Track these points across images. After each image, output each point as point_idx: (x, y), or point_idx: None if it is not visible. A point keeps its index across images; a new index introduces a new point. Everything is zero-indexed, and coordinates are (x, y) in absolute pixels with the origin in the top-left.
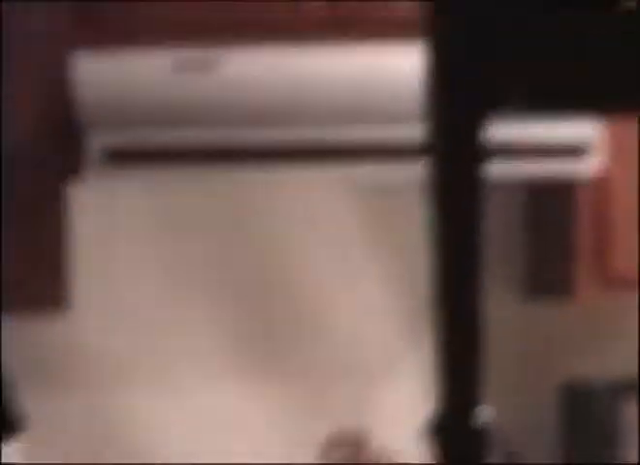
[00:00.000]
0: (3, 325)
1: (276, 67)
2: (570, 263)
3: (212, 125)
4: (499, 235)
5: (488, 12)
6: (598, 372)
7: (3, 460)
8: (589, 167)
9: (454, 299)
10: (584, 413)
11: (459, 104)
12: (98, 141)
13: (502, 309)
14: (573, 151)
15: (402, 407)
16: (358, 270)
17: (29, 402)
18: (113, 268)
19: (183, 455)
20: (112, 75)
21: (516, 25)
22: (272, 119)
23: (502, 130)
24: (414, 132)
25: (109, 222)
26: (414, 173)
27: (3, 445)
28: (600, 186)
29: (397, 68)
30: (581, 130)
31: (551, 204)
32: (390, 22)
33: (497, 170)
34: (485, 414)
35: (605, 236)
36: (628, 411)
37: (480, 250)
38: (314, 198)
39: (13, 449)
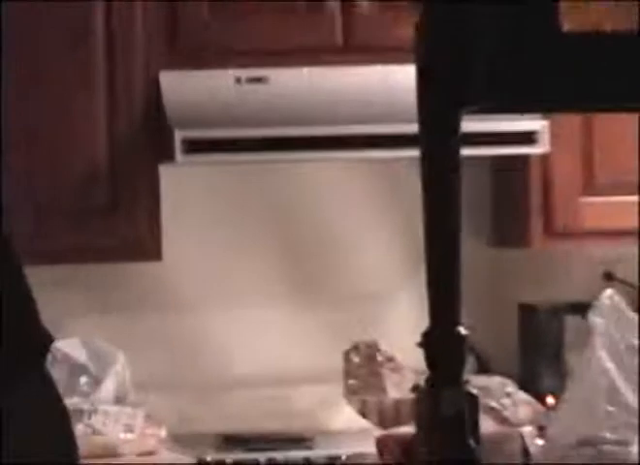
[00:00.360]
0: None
1: (310, 81)
2: (525, 220)
3: (263, 123)
4: (472, 199)
5: (462, 29)
6: (546, 298)
7: None
8: (538, 148)
9: (440, 245)
10: (535, 327)
11: (443, 104)
12: (180, 135)
13: (475, 254)
14: (527, 137)
15: (403, 324)
16: (368, 226)
17: (137, 325)
18: (193, 227)
19: (247, 358)
20: (191, 87)
21: (487, 40)
22: (308, 119)
23: (477, 121)
24: (409, 128)
25: (188, 193)
26: (409, 157)
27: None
28: (545, 162)
29: (395, 83)
30: (532, 122)
31: (510, 176)
32: (392, 49)
33: (473, 150)
34: (463, 327)
35: (550, 200)
36: (567, 325)
37: (458, 210)
38: (335, 175)
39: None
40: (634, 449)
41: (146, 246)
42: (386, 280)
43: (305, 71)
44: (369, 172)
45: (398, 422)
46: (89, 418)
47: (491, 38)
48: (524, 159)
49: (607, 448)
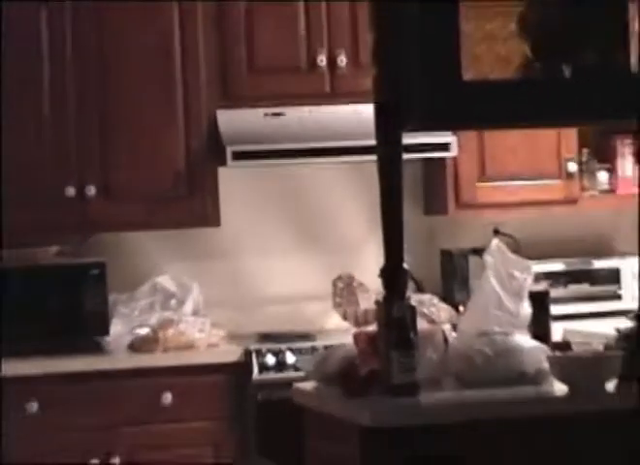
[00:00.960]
0: (189, 232)
1: (310, 115)
2: (443, 197)
3: (281, 141)
4: (411, 184)
5: (398, 81)
6: (457, 246)
7: None
8: (450, 153)
9: (391, 213)
10: (451, 264)
11: (390, 126)
12: (230, 149)
13: (413, 219)
14: (443, 146)
15: (369, 263)
16: (348, 206)
17: (205, 266)
18: (238, 206)
19: (273, 285)
20: (236, 119)
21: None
22: (309, 138)
23: (411, 137)
24: (371, 142)
25: (235, 185)
26: (372, 160)
27: None
28: (455, 161)
29: (363, 115)
30: (446, 137)
31: (434, 169)
32: (361, 93)
33: (411, 155)
34: (405, 264)
35: (458, 185)
36: (471, 262)
37: (400, 191)
38: (327, 174)
39: None
40: (513, 336)
41: (211, 218)
42: (359, 238)
43: (307, 108)
44: (348, 171)
45: (366, 323)
46: (177, 324)
47: (418, 84)
48: (442, 159)
49: (495, 336)
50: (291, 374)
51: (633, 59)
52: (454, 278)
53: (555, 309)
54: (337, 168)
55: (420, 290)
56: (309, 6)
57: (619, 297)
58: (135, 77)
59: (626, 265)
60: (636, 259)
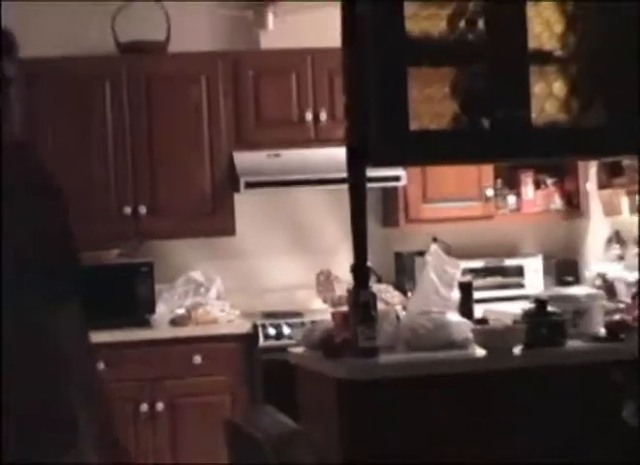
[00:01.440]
0: (212, 240)
1: (301, 155)
2: (396, 214)
3: (279, 174)
4: (373, 203)
5: (362, 127)
6: (406, 250)
7: None
8: (401, 183)
9: (357, 225)
10: (402, 263)
11: (356, 162)
12: (243, 179)
13: (374, 229)
14: (396, 178)
15: (343, 262)
16: (329, 220)
17: (225, 264)
18: (248, 221)
19: (274, 278)
20: (247, 159)
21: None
22: (300, 171)
23: (372, 170)
24: (344, 174)
25: (246, 206)
26: (345, 188)
27: None
28: (405, 188)
29: (338, 155)
30: (397, 171)
31: (390, 194)
32: (337, 140)
33: (372, 184)
34: (368, 263)
35: (407, 205)
36: (416, 261)
37: (364, 209)
38: (314, 197)
39: None
40: (446, 314)
41: (228, 230)
42: (335, 244)
43: (298, 151)
44: (328, 195)
45: (340, 305)
46: (205, 306)
47: (377, 133)
48: (395, 187)
49: (433, 314)
50: (286, 342)
51: (534, 114)
52: (404, 273)
53: (476, 295)
54: (320, 193)
55: (379, 281)
56: (300, 77)
57: (523, 286)
58: (174, 129)
59: (528, 263)
60: (535, 259)
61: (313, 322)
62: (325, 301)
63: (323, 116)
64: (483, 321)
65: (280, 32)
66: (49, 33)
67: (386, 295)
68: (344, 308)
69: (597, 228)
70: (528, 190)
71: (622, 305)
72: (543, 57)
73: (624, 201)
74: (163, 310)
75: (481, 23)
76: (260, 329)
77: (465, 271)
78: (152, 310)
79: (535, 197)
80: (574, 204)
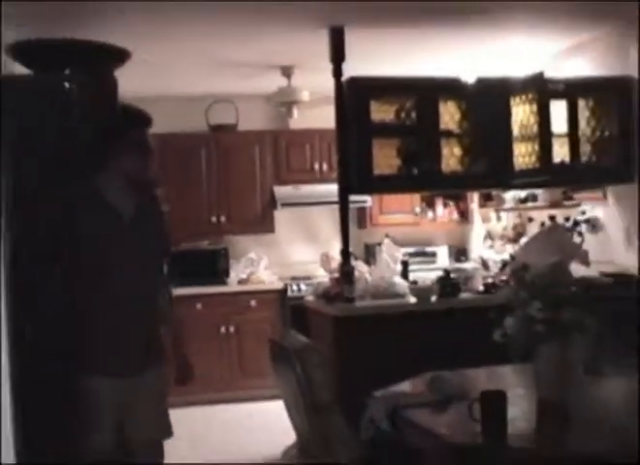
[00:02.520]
0: (260, 236)
1: (314, 188)
2: (365, 221)
3: (301, 199)
4: (352, 216)
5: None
6: (370, 242)
7: None
8: (367, 203)
9: (344, 227)
10: (369, 249)
11: (344, 192)
12: (279, 202)
13: (353, 230)
14: (365, 201)
15: (336, 248)
16: (328, 225)
17: (267, 249)
18: (283, 225)
19: (295, 257)
20: (282, 189)
21: None
22: (314, 198)
23: (356, 197)
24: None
25: (281, 218)
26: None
27: None
28: (370, 207)
29: (332, 189)
30: (366, 198)
31: (362, 210)
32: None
33: (353, 204)
34: (350, 250)
35: (371, 216)
36: (376, 249)
37: (347, 218)
38: (322, 212)
39: None
40: (394, 278)
41: (270, 229)
42: (331, 238)
43: (310, 186)
44: (329, 210)
45: (334, 273)
46: (257, 273)
47: (356, 177)
48: (364, 206)
49: (386, 278)
50: (303, 294)
51: (443, 166)
52: (370, 254)
53: (410, 268)
54: (323, 209)
55: (356, 259)
56: (312, 145)
57: (436, 263)
58: (241, 174)
59: (439, 250)
60: (443, 247)
61: (318, 282)
62: (325, 271)
63: (324, 167)
64: (414, 282)
65: (301, 119)
66: (165, 116)
67: (360, 268)
68: (336, 275)
69: (478, 230)
70: (439, 208)
71: (492, 274)
72: (448, 134)
73: (493, 215)
74: (233, 275)
75: (414, 114)
76: (289, 287)
77: (404, 254)
78: (227, 275)
79: (443, 212)
80: (465, 217)
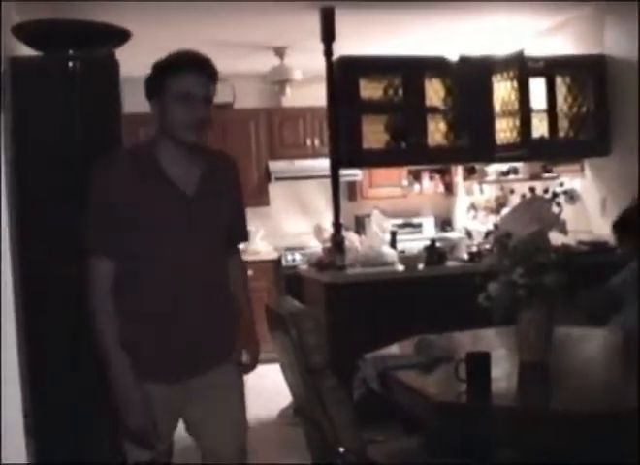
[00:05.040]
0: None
1: (307, 162)
2: (355, 193)
3: (295, 173)
4: (343, 189)
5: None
6: (361, 213)
7: None
8: (358, 177)
9: (335, 200)
10: (359, 221)
11: (335, 168)
12: (274, 175)
13: (344, 203)
14: (356, 174)
15: (329, 220)
16: (321, 197)
17: (264, 225)
18: (278, 198)
19: (293, 235)
20: (276, 164)
21: None
22: (307, 171)
23: (346, 170)
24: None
25: (276, 191)
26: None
27: None
28: (361, 180)
29: (327, 164)
30: (356, 171)
31: (352, 183)
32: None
33: (343, 178)
34: (342, 222)
35: (361, 189)
36: (365, 220)
37: (338, 191)
38: (315, 185)
39: None
40: (382, 248)
41: (265, 202)
42: (324, 210)
43: (303, 160)
44: (321, 184)
45: (327, 243)
46: (253, 244)
47: (347, 150)
48: (355, 180)
49: (375, 248)
50: (297, 263)
51: (429, 140)
52: (360, 225)
53: (398, 237)
54: (315, 183)
55: (347, 230)
56: (305, 122)
57: (422, 233)
58: (238, 149)
59: (426, 221)
60: (429, 218)
61: (312, 252)
62: (318, 241)
63: (316, 142)
64: (402, 251)
65: (294, 97)
66: None
67: (350, 238)
68: (328, 245)
69: (462, 202)
70: (425, 181)
71: (476, 243)
72: (434, 110)
73: (477, 187)
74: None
75: (401, 91)
76: (283, 257)
77: (393, 225)
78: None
79: (429, 185)
80: (450, 189)
